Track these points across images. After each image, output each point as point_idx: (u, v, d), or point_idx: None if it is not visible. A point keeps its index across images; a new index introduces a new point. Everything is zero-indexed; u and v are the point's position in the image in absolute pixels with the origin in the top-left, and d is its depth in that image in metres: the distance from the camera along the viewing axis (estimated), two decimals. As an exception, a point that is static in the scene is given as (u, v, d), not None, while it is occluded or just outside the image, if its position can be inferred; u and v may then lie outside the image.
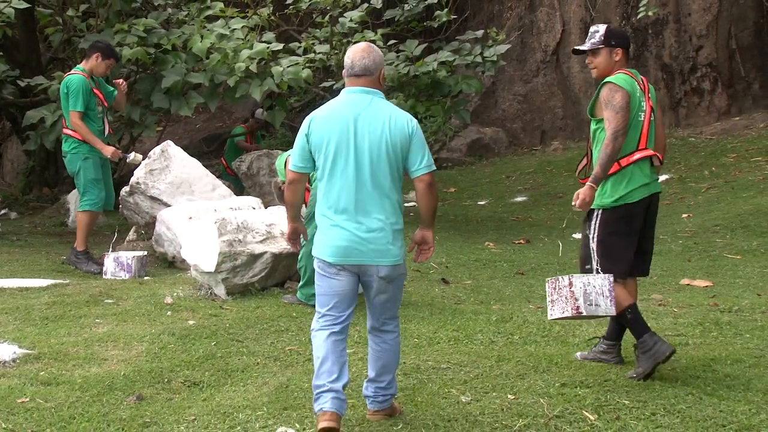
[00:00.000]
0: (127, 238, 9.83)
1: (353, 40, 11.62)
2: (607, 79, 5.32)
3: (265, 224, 7.57)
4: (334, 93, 14.00)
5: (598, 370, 5.26)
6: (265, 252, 7.31)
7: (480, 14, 18.08)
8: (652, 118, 5.36)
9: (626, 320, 5.25)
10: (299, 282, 7.09)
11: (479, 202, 13.77)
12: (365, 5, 12.07)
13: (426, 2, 12.59)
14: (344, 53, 11.49)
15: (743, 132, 14.47)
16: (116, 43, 11.15)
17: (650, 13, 12.62)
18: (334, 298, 4.56)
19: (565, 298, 5.13)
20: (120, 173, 12.30)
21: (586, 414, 4.56)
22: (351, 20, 11.68)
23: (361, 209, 4.50)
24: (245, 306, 6.94)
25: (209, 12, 12.01)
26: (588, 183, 5.15)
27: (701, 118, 15.43)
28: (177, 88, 11.16)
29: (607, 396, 4.78)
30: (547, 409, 4.62)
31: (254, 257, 7.27)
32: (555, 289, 5.19)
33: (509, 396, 4.87)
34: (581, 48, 5.53)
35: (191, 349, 5.79)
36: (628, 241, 5.30)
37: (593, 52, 5.46)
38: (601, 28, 5.49)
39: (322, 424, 4.33)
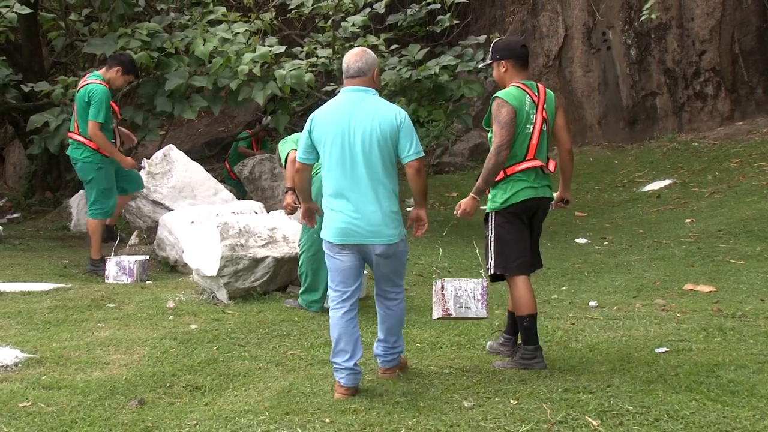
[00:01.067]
0: (129, 243, 9.84)
1: (355, 45, 11.62)
2: (496, 94, 5.59)
3: (267, 228, 7.56)
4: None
5: (601, 376, 5.25)
6: (267, 256, 7.31)
7: (482, 19, 18.08)
8: (544, 129, 5.68)
9: (521, 325, 5.55)
10: (300, 287, 7.08)
11: (481, 207, 13.75)
12: (368, 10, 12.07)
13: (428, 7, 12.59)
14: (346, 58, 11.65)
15: (746, 137, 14.46)
16: (120, 48, 11.16)
17: (653, 17, 12.62)
18: (340, 274, 5.20)
19: (439, 300, 5.57)
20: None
21: (589, 419, 4.54)
22: (353, 25, 11.69)
23: (356, 195, 5.09)
24: (247, 310, 6.93)
25: (212, 16, 12.04)
26: (470, 194, 5.52)
27: (704, 122, 15.41)
28: (180, 91, 11.17)
29: (610, 401, 4.77)
30: (550, 415, 4.60)
31: (256, 261, 7.26)
32: (434, 292, 5.62)
33: (512, 401, 4.85)
34: (480, 65, 5.82)
35: (193, 354, 5.79)
36: (521, 236, 5.65)
37: (490, 67, 5.83)
38: (492, 45, 5.80)
39: (338, 396, 5.05)
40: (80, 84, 8.90)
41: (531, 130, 5.63)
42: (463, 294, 5.55)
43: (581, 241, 10.82)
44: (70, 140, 8.90)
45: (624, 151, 15.67)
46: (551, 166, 5.81)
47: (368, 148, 5.07)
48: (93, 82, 8.73)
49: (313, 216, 5.56)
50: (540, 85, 5.76)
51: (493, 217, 5.67)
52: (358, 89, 5.19)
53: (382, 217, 5.09)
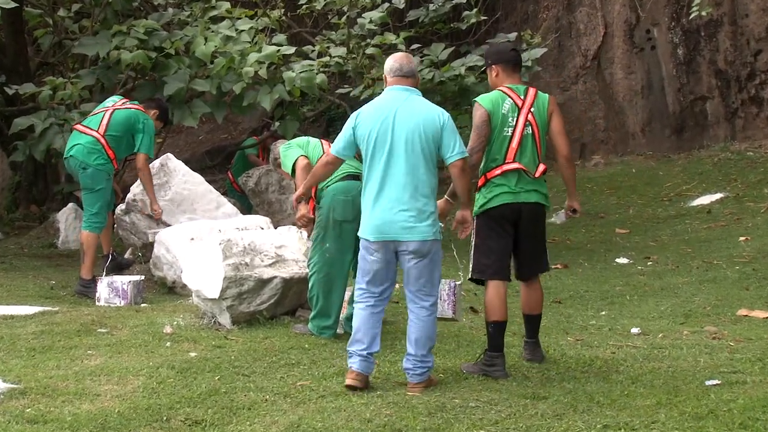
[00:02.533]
0: (123, 261, 9.88)
1: (372, 43, 11.66)
2: (475, 98, 6.31)
3: (275, 246, 7.58)
4: (351, 101, 14.12)
5: (644, 411, 5.23)
6: (275, 277, 7.32)
7: (513, 15, 18.10)
8: (528, 132, 6.19)
9: (486, 330, 6.17)
10: (311, 311, 7.08)
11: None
12: (386, 5, 12.11)
13: (453, 2, 12.62)
14: (362, 57, 11.71)
15: (807, 146, 14.42)
16: (114, 47, 11.24)
17: (704, 13, 12.59)
18: (369, 274, 5.76)
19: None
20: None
21: (632, 459, 4.53)
22: (370, 21, 11.72)
23: (394, 193, 5.66)
24: (252, 336, 6.94)
25: (214, 12, 12.07)
26: (445, 196, 6.07)
27: (760, 130, 15.35)
28: (180, 96, 11.20)
29: (654, 439, 4.75)
30: (588, 454, 4.59)
31: (262, 283, 7.28)
32: None
33: (545, 438, 4.84)
34: (480, 73, 6.57)
35: (192, 384, 5.80)
36: (496, 244, 6.18)
37: (485, 73, 6.58)
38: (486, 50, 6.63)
39: (348, 381, 5.63)
40: (124, 105, 9.37)
41: (510, 134, 6.17)
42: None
43: (622, 261, 10.79)
44: (86, 141, 8.99)
45: (670, 161, 15.62)
46: (539, 171, 6.22)
47: (410, 147, 5.67)
48: (142, 110, 9.33)
49: (303, 207, 6.46)
50: (531, 89, 6.31)
51: (475, 221, 6.18)
52: (405, 88, 5.84)
53: (417, 215, 5.65)
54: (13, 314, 7.73)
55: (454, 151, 5.72)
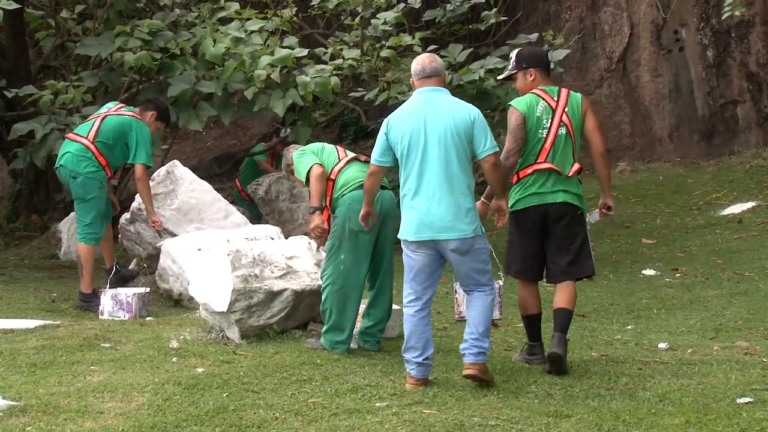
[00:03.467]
0: (127, 273, 9.90)
1: (387, 45, 11.68)
2: (510, 102, 6.69)
3: (285, 257, 7.60)
4: (365, 105, 14.14)
5: (672, 430, 5.22)
6: (285, 289, 7.33)
7: (534, 15, 18.10)
8: (562, 133, 6.58)
9: (523, 322, 6.88)
10: (324, 325, 7.09)
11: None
12: (401, 5, 12.13)
13: (471, 2, 12.63)
14: (376, 59, 11.72)
15: (844, 151, 14.37)
16: (117, 48, 11.26)
17: (737, 13, 12.56)
18: (412, 272, 6.14)
19: (455, 303, 7.08)
20: (119, 197, 12.37)
21: (660, 481, 4.52)
22: (385, 22, 11.74)
23: (432, 192, 6.03)
24: (262, 351, 6.95)
25: (223, 13, 12.09)
26: (481, 198, 6.49)
27: (794, 135, 15.32)
28: (185, 98, 11.22)
29: (683, 460, 4.75)
30: (614, 475, 4.59)
31: (273, 295, 7.29)
32: (453, 294, 7.05)
33: (569, 459, 4.84)
34: (501, 78, 7.17)
35: (200, 401, 5.81)
36: (520, 245, 6.68)
37: (511, 78, 6.90)
38: (514, 54, 6.86)
39: (408, 387, 6.05)
40: (118, 111, 9.32)
41: (544, 135, 6.58)
42: None
43: (649, 272, 10.77)
44: (75, 148, 9.02)
45: (699, 168, 15.58)
46: (572, 170, 6.61)
47: (444, 146, 6.05)
48: (136, 116, 9.23)
49: (368, 221, 6.52)
50: (563, 90, 6.72)
51: (509, 219, 6.63)
52: (433, 89, 6.21)
53: (456, 213, 6.03)
54: (13, 328, 7.75)
55: (486, 146, 6.08)
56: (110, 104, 9.64)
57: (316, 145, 7.47)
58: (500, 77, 7.32)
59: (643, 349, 7.37)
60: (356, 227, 6.87)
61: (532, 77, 6.74)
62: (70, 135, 9.38)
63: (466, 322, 6.23)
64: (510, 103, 6.68)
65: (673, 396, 5.86)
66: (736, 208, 13.37)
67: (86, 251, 9.01)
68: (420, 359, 6.09)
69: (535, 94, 6.65)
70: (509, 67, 6.91)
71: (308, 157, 7.23)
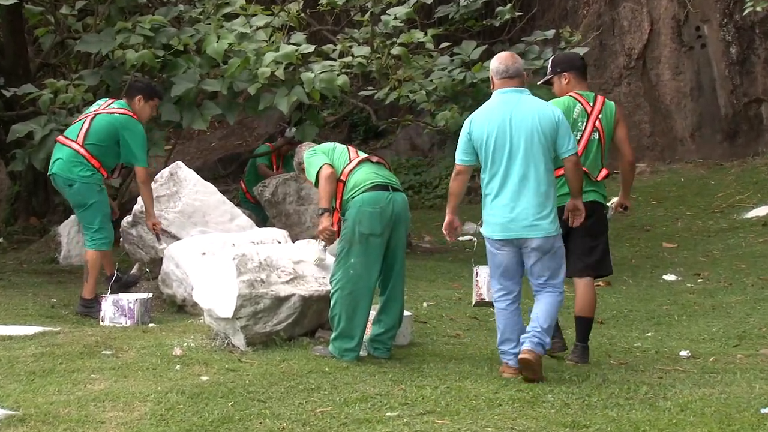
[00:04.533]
0: (129, 278, 9.91)
1: (398, 42, 11.68)
2: (548, 102, 6.94)
3: (293, 261, 7.60)
4: (375, 104, 14.14)
5: (694, 441, 5.21)
6: (293, 294, 7.34)
7: (550, 11, 18.11)
8: (595, 137, 7.10)
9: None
10: (332, 332, 7.09)
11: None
12: (413, 1, 12.13)
13: (485, -4, 12.63)
14: (387, 57, 11.73)
15: None
16: (118, 45, 11.27)
17: (759, 9, 12.55)
18: (500, 268, 6.56)
19: (475, 287, 7.26)
20: (121, 200, 12.38)
21: (681, 494, 4.51)
22: (395, 18, 11.75)
23: (516, 191, 6.42)
24: (268, 359, 6.96)
25: (228, 9, 12.10)
26: None
27: (820, 135, 15.30)
28: (189, 97, 11.21)
29: (706, 472, 4.74)
30: (633, 488, 4.58)
31: (279, 301, 7.29)
32: (473, 278, 7.30)
33: (586, 471, 4.83)
34: (540, 83, 7.74)
35: (204, 411, 5.82)
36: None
37: (549, 83, 7.45)
38: (550, 59, 7.49)
39: (507, 375, 6.50)
40: (108, 107, 9.18)
41: (578, 137, 6.97)
42: None
43: (670, 277, 10.76)
44: (66, 154, 8.97)
45: (722, 169, 15.56)
46: (600, 175, 7.12)
47: (530, 147, 6.41)
48: (126, 114, 9.08)
49: (453, 231, 6.80)
50: (599, 97, 7.24)
51: None
52: (516, 89, 6.56)
53: (540, 211, 6.42)
54: (11, 335, 7.77)
55: (570, 146, 6.52)
56: (100, 101, 9.56)
57: (327, 145, 7.45)
58: (539, 83, 7.81)
59: (664, 357, 7.36)
60: (367, 230, 6.87)
61: (567, 81, 7.27)
62: (61, 138, 9.30)
63: (531, 318, 6.52)
64: (549, 102, 6.99)
65: (695, 406, 5.84)
66: (761, 211, 13.35)
67: (96, 257, 8.97)
68: (517, 350, 6.46)
69: (573, 97, 7.15)
70: (548, 72, 7.47)
71: (318, 157, 7.22)
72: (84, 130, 9.02)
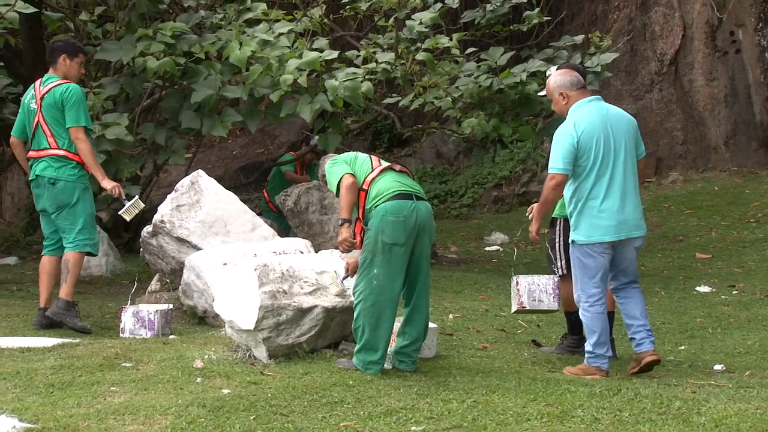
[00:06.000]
0: (149, 289, 9.94)
1: (423, 47, 11.69)
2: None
3: (316, 272, 7.61)
4: (399, 111, 14.15)
5: (729, 457, 5.19)
6: (315, 306, 7.35)
7: (580, 15, 18.09)
8: None
9: (574, 318, 7.70)
10: (356, 344, 7.09)
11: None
12: (438, 5, 12.15)
13: (513, 1, 12.63)
14: (412, 63, 11.75)
15: None
16: (139, 53, 11.32)
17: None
18: (600, 272, 7.03)
19: (515, 295, 7.70)
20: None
21: None
22: (420, 23, 11.76)
23: (622, 194, 6.98)
24: (291, 372, 6.97)
25: (250, 14, 12.14)
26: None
27: None
28: (209, 104, 11.23)
29: (741, 489, 4.72)
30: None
31: (302, 312, 7.30)
32: (511, 287, 7.78)
33: (617, 487, 4.82)
34: (541, 94, 8.27)
35: (225, 425, 5.83)
36: None
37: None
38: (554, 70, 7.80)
39: (598, 378, 6.89)
40: (41, 91, 8.80)
41: None
42: (536, 289, 7.64)
43: (704, 289, 10.71)
44: (42, 160, 8.74)
45: (757, 178, 15.50)
46: None
47: (629, 150, 7.07)
48: (63, 82, 8.73)
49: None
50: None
51: (561, 223, 7.88)
52: (597, 97, 7.20)
53: (641, 211, 7.14)
54: (30, 346, 7.81)
55: (643, 147, 7.28)
56: (28, 95, 9.11)
57: (349, 155, 7.46)
58: (541, 94, 8.16)
59: (698, 371, 7.33)
60: (390, 240, 6.87)
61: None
62: (32, 153, 8.86)
63: (631, 317, 7.14)
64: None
65: (730, 421, 5.81)
66: (798, 221, 13.30)
67: (78, 258, 8.75)
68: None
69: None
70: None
71: (339, 167, 7.22)
72: (44, 132, 8.72)
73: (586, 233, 7.02)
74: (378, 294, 6.93)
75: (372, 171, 7.15)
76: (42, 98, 8.77)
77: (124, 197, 8.95)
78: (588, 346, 7.10)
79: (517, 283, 7.67)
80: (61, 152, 8.71)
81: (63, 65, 8.87)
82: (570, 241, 7.22)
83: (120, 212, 9.08)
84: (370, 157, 7.38)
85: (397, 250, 6.90)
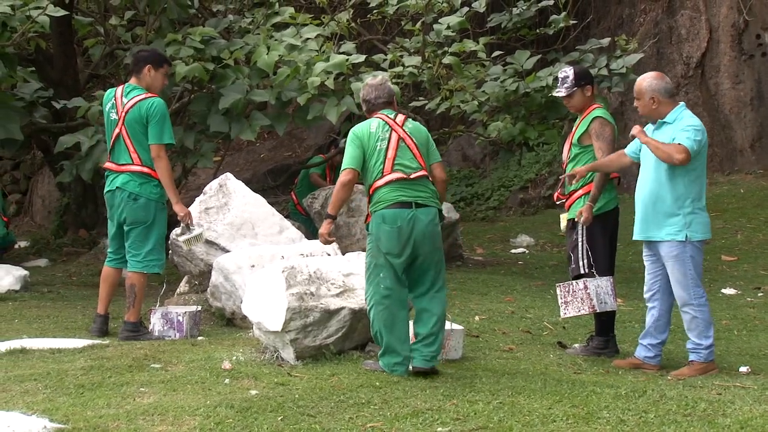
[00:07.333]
0: (178, 291, 9.97)
1: (450, 51, 11.69)
2: (597, 114, 7.80)
3: (343, 274, 7.62)
4: (426, 114, 14.15)
5: (754, 459, 5.17)
6: (343, 308, 7.36)
7: (606, 19, 18.04)
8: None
9: (600, 319, 7.91)
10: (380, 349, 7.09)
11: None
12: (465, 9, 12.14)
13: (539, 5, 12.61)
14: (438, 66, 11.75)
15: None
16: (169, 57, 11.36)
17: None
18: (700, 269, 7.33)
19: (581, 299, 7.68)
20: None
21: None
22: (448, 27, 11.76)
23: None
24: (318, 373, 6.98)
25: (277, 19, 12.16)
26: (587, 203, 7.73)
27: None
28: (238, 108, 11.25)
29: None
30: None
31: (329, 314, 7.32)
32: (569, 292, 7.76)
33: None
34: (558, 95, 8.06)
35: (253, 425, 5.85)
36: (604, 243, 7.88)
37: (569, 95, 7.91)
38: (570, 72, 7.91)
39: (712, 373, 7.19)
40: (125, 103, 8.55)
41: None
42: (601, 291, 7.68)
43: (729, 291, 10.67)
44: (123, 173, 8.55)
45: (784, 180, 15.42)
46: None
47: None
48: (148, 96, 8.54)
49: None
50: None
51: (595, 219, 7.80)
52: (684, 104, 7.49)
53: None
54: (60, 348, 7.85)
55: None
56: (106, 101, 8.90)
57: (370, 131, 7.16)
58: (560, 95, 8.02)
59: (723, 373, 7.30)
60: (385, 249, 6.87)
61: (589, 92, 7.93)
62: (111, 166, 8.69)
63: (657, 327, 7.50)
64: (600, 114, 7.81)
65: (756, 423, 5.79)
66: (824, 223, 13.23)
67: (144, 281, 8.65)
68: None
69: (603, 107, 7.99)
70: (566, 85, 7.91)
71: (352, 150, 7.08)
72: (128, 146, 8.54)
73: (702, 231, 7.23)
74: (387, 297, 6.92)
75: (381, 177, 7.07)
76: (126, 112, 8.54)
77: (193, 225, 8.84)
78: (706, 341, 7.22)
79: (586, 287, 7.63)
80: (146, 170, 8.51)
81: (147, 75, 8.66)
82: (678, 241, 7.18)
83: (180, 237, 8.88)
84: (386, 155, 7.07)
85: (393, 260, 6.89)
